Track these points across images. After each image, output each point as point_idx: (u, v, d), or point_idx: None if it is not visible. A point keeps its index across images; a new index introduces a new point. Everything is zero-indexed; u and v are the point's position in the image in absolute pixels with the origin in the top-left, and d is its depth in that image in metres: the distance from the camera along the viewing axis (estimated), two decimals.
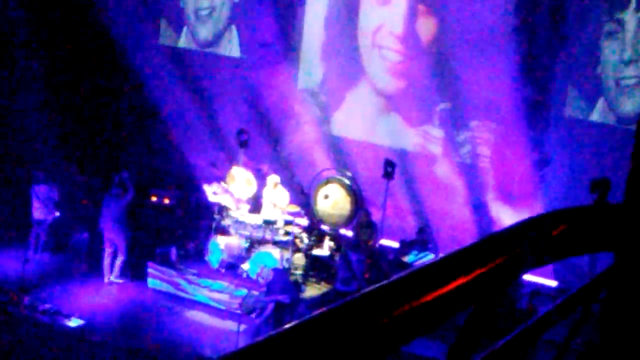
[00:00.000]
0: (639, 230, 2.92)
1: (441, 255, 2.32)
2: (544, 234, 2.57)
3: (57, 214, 18.43)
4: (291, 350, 1.94)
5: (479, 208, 17.68)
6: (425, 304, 2.12)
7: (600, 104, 17.06)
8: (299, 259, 17.31)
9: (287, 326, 1.95)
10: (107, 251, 17.48)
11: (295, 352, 1.94)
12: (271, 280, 15.76)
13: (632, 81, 16.69)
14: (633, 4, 16.53)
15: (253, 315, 16.26)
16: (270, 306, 15.79)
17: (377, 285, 2.14)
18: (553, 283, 16.28)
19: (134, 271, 17.79)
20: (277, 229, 17.44)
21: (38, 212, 18.42)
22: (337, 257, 17.53)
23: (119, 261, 17.52)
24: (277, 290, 15.74)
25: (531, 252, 2.47)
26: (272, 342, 1.90)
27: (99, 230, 17.71)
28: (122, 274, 17.57)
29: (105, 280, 17.49)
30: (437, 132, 18.45)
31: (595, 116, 17.12)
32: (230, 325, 16.34)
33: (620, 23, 16.71)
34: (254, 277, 16.84)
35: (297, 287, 16.78)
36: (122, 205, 17.33)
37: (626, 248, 2.90)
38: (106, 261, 17.51)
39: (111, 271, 17.51)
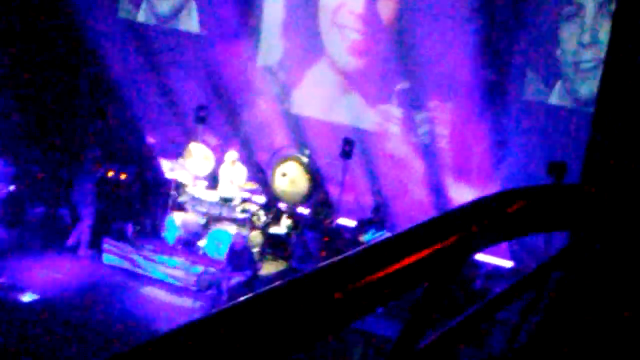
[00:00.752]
0: (594, 210, 2.94)
1: (396, 232, 2.32)
2: (499, 212, 2.57)
3: (12, 187, 18.27)
4: (242, 325, 1.93)
5: (437, 188, 17.75)
6: (378, 279, 2.12)
7: (559, 86, 17.16)
8: (256, 236, 17.31)
9: (239, 299, 1.94)
10: (84, 224, 17.48)
11: (246, 327, 1.93)
12: (237, 254, 15.85)
13: (590, 64, 16.79)
14: None
15: (209, 292, 16.28)
16: (226, 283, 15.82)
17: (330, 260, 2.14)
18: (509, 264, 16.39)
19: (92, 248, 17.75)
20: (235, 206, 17.42)
21: None
22: (293, 236, 17.56)
23: (86, 235, 17.52)
24: (241, 265, 15.83)
25: (485, 230, 2.47)
26: (223, 315, 1.90)
27: (74, 204, 17.75)
28: (90, 246, 17.60)
29: (82, 253, 17.54)
30: (396, 112, 18.48)
31: (553, 99, 17.23)
32: (186, 302, 16.36)
33: (580, 6, 16.80)
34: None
35: (254, 264, 16.81)
36: (93, 180, 17.41)
37: (582, 228, 2.91)
38: (83, 235, 17.52)
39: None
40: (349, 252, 2.21)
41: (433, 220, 2.37)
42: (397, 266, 2.15)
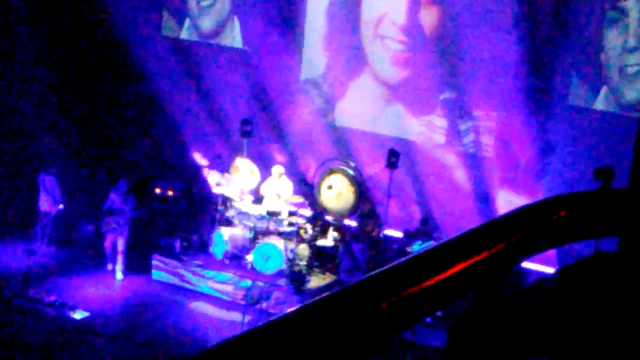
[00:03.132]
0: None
1: (441, 241, 2.31)
2: (545, 219, 2.56)
3: (62, 206, 18.45)
4: (292, 335, 1.94)
5: (483, 197, 17.67)
6: (424, 289, 2.12)
7: (604, 92, 17.02)
8: (303, 249, 17.31)
9: (289, 310, 1.96)
10: (118, 251, 17.73)
11: (295, 337, 1.94)
12: None
13: (636, 69, 16.66)
14: None
15: (258, 306, 16.29)
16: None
17: (377, 270, 2.14)
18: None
19: (139, 263, 17.81)
20: (281, 220, 17.44)
21: (44, 203, 18.45)
22: (340, 248, 17.54)
23: (121, 261, 17.66)
24: None
25: (531, 238, 2.45)
26: (274, 326, 1.91)
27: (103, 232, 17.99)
28: (126, 269, 17.70)
29: (118, 277, 17.72)
30: (441, 122, 18.42)
31: (598, 104, 17.09)
32: (235, 316, 16.37)
33: (623, 11, 16.67)
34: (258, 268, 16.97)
35: (302, 277, 16.81)
36: (126, 211, 17.50)
37: (631, 233, 2.88)
38: (117, 261, 17.76)
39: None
40: (395, 262, 2.21)
41: (478, 229, 2.37)
42: (442, 276, 2.15)
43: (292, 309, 2.02)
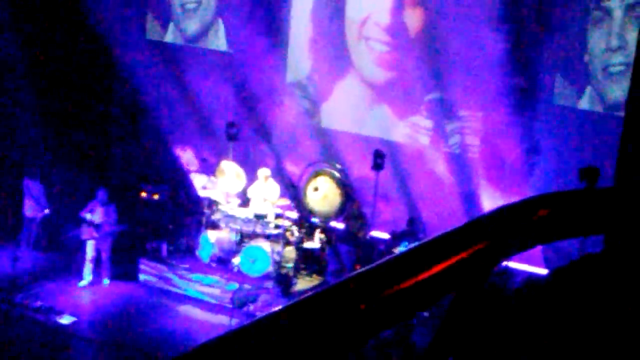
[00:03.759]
0: (628, 213, 2.91)
1: (421, 241, 2.32)
2: (526, 218, 2.57)
3: (47, 211, 18.42)
4: (273, 335, 1.95)
5: (469, 198, 17.70)
6: (406, 289, 2.13)
7: (588, 91, 17.09)
8: (290, 252, 17.35)
9: (272, 310, 1.97)
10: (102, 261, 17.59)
11: (277, 339, 1.94)
12: None
13: (620, 68, 16.71)
14: None
15: (245, 309, 16.31)
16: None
17: (357, 271, 2.15)
18: (544, 271, 16.30)
19: (126, 267, 17.81)
20: (268, 223, 17.46)
21: (29, 209, 18.42)
22: (327, 250, 17.57)
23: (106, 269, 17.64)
24: None
25: (512, 237, 2.46)
26: (259, 325, 1.92)
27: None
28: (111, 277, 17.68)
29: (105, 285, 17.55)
30: (426, 123, 18.46)
31: (583, 104, 17.15)
32: (222, 319, 16.40)
33: (607, 10, 16.74)
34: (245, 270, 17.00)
35: (288, 280, 16.84)
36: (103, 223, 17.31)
37: (616, 231, 2.89)
38: (103, 269, 17.63)
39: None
40: (375, 263, 2.22)
41: (458, 229, 2.37)
42: (422, 276, 2.16)
43: (274, 309, 2.03)
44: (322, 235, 17.69)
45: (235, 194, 18.17)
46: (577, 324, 2.60)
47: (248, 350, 1.88)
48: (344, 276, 2.23)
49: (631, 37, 16.37)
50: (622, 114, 16.11)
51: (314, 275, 17.56)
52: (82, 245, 17.46)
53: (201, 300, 17.07)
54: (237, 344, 1.90)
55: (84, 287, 17.27)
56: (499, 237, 2.39)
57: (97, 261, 17.46)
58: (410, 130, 18.59)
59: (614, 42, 16.71)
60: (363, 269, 2.14)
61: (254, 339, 1.91)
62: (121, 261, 17.99)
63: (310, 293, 2.04)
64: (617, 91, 16.63)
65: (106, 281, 17.48)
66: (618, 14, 16.63)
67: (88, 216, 17.08)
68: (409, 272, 2.16)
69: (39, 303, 16.26)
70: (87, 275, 17.36)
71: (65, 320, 15.92)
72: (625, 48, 16.56)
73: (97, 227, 17.09)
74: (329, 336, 2.00)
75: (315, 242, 17.58)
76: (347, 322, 2.05)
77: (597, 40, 16.89)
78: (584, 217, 2.77)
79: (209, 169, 18.76)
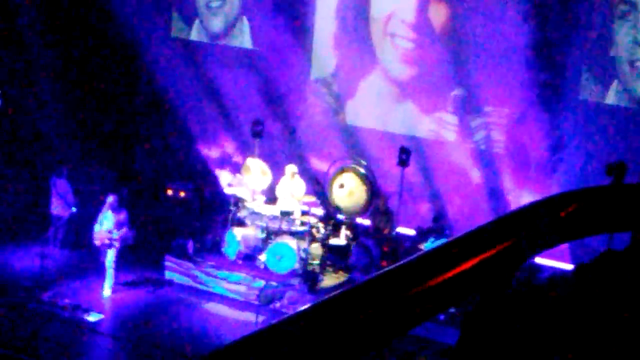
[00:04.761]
0: None
1: (450, 239, 2.34)
2: (552, 215, 2.58)
3: (74, 209, 18.51)
4: (303, 332, 1.98)
5: (495, 194, 17.69)
6: (434, 286, 2.15)
7: (615, 86, 17.02)
8: (316, 249, 17.35)
9: (300, 309, 1.99)
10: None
11: (305, 334, 1.97)
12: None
13: None
14: None
15: (271, 306, 16.36)
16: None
17: (386, 269, 2.17)
18: (570, 267, 16.26)
19: (152, 265, 17.86)
20: (294, 220, 17.47)
21: (56, 207, 18.52)
22: (353, 246, 17.58)
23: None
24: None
25: (537, 235, 2.48)
26: (290, 322, 1.95)
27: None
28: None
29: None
30: (451, 119, 18.46)
31: (610, 99, 17.09)
32: (248, 316, 16.42)
33: (633, 4, 16.66)
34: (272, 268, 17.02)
35: (315, 276, 16.86)
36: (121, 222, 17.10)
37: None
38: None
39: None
40: (403, 261, 2.24)
41: (486, 227, 2.39)
42: (451, 273, 2.18)
43: (304, 307, 2.05)
44: (348, 232, 17.70)
45: (261, 191, 18.19)
46: (598, 320, 2.61)
47: (280, 345, 1.91)
48: (371, 273, 2.25)
49: None
50: None
51: (340, 272, 17.55)
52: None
53: (227, 298, 17.09)
54: (273, 339, 1.93)
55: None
56: (526, 234, 2.41)
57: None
58: (436, 126, 18.59)
59: None
60: (393, 265, 2.17)
61: (288, 334, 1.95)
62: (147, 258, 18.06)
63: (340, 290, 2.06)
64: None
65: (108, 292, 16.94)
66: None
67: (97, 227, 16.93)
68: (439, 269, 2.19)
69: (66, 301, 16.35)
70: (109, 282, 16.93)
71: (92, 317, 15.99)
72: None
73: (109, 232, 16.83)
74: (360, 332, 2.02)
75: (341, 239, 17.58)
76: (379, 318, 2.07)
77: (623, 35, 16.82)
78: (611, 214, 2.78)
79: (234, 166, 18.81)
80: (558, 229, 2.58)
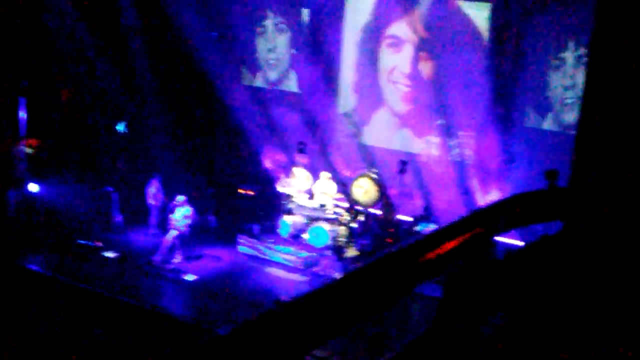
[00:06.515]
0: (580, 204, 2.96)
1: (443, 225, 2.41)
2: (511, 210, 2.65)
3: (165, 199, 18.23)
4: (345, 292, 2.04)
5: (467, 192, 17.62)
6: (431, 258, 2.22)
7: (550, 116, 16.92)
8: (342, 230, 17.38)
9: (344, 274, 2.07)
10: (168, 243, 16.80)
11: (348, 293, 2.04)
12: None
13: (572, 100, 16.53)
14: (570, 47, 16.40)
15: (312, 269, 16.39)
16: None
17: (397, 246, 2.25)
18: (520, 243, 16.16)
19: (229, 241, 17.85)
20: (327, 210, 17.51)
21: (152, 198, 18.48)
22: (358, 227, 17.49)
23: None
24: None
25: (502, 223, 2.54)
26: (335, 286, 2.02)
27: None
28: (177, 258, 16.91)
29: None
30: (436, 140, 18.40)
31: (546, 125, 16.99)
32: (296, 277, 16.46)
33: (563, 59, 16.57)
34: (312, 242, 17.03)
35: (341, 249, 16.85)
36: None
37: (571, 217, 2.94)
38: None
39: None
40: (409, 239, 2.31)
41: (464, 218, 2.46)
42: (442, 249, 2.25)
43: (343, 274, 2.12)
44: (362, 218, 17.72)
45: (304, 190, 18.24)
46: (537, 283, 2.66)
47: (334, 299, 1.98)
48: (386, 250, 2.32)
49: (580, 78, 16.21)
50: (573, 132, 15.99)
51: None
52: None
53: (282, 264, 17.16)
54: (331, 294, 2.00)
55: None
56: (492, 223, 2.47)
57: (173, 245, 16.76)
58: (425, 145, 18.54)
59: (568, 82, 16.54)
60: (403, 243, 2.24)
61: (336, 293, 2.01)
62: (225, 237, 18.09)
63: (369, 260, 2.14)
64: (571, 116, 16.46)
65: (177, 259, 16.69)
66: (570, 61, 16.46)
67: (171, 216, 16.77)
68: (435, 246, 2.25)
69: (171, 266, 16.44)
70: (162, 253, 16.61)
71: (189, 277, 16.09)
72: (575, 86, 16.40)
73: (177, 221, 16.68)
74: (386, 289, 2.09)
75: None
76: (399, 277, 2.13)
77: (556, 81, 16.71)
78: (548, 208, 2.84)
79: (286, 173, 18.85)
80: (515, 219, 2.64)
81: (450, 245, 2.33)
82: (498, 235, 2.56)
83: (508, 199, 2.69)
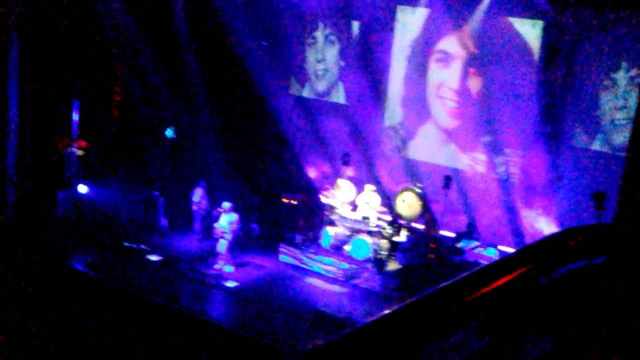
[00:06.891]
0: (625, 240, 2.91)
1: (492, 260, 2.37)
2: (562, 245, 2.59)
3: (209, 207, 18.31)
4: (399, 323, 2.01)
5: (512, 210, 17.45)
6: (481, 295, 2.18)
7: (599, 137, 16.69)
8: (384, 243, 17.31)
9: (396, 307, 2.05)
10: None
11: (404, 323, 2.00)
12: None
13: (623, 121, 16.29)
14: (623, 67, 16.16)
15: (352, 282, 16.33)
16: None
17: (447, 282, 2.20)
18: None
19: (272, 250, 17.89)
20: (369, 223, 17.46)
21: (195, 206, 18.56)
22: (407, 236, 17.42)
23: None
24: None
25: (552, 259, 2.50)
26: (382, 322, 2.00)
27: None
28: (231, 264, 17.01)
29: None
30: (482, 157, 18.26)
31: (595, 146, 16.76)
32: (336, 288, 16.42)
33: (614, 80, 16.34)
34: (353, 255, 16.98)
35: (383, 263, 16.77)
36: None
37: (616, 252, 2.89)
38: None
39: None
40: (463, 274, 2.27)
41: (517, 253, 2.41)
42: (491, 287, 2.20)
43: (395, 306, 2.09)
44: (407, 232, 17.62)
45: (348, 202, 18.22)
46: (584, 312, 2.61)
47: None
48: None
49: (632, 99, 15.97)
50: (624, 154, 15.74)
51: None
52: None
53: (322, 275, 17.14)
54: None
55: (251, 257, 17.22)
56: (547, 257, 2.42)
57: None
58: (471, 162, 18.42)
59: (619, 103, 16.30)
60: (453, 280, 2.20)
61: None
62: (267, 246, 18.13)
63: (419, 295, 2.10)
64: (621, 138, 16.22)
65: (228, 267, 16.77)
66: (622, 82, 16.22)
67: (217, 225, 16.74)
68: (482, 284, 2.20)
69: (212, 271, 16.52)
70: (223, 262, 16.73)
71: (230, 284, 16.16)
72: (627, 107, 16.15)
73: (222, 228, 16.65)
74: (436, 327, 2.05)
75: (402, 237, 17.52)
76: (444, 317, 2.10)
77: (606, 101, 16.49)
78: (596, 245, 2.78)
79: (330, 184, 18.85)
80: (568, 255, 2.59)
81: (503, 280, 2.28)
82: (553, 270, 2.51)
83: (557, 233, 2.63)
